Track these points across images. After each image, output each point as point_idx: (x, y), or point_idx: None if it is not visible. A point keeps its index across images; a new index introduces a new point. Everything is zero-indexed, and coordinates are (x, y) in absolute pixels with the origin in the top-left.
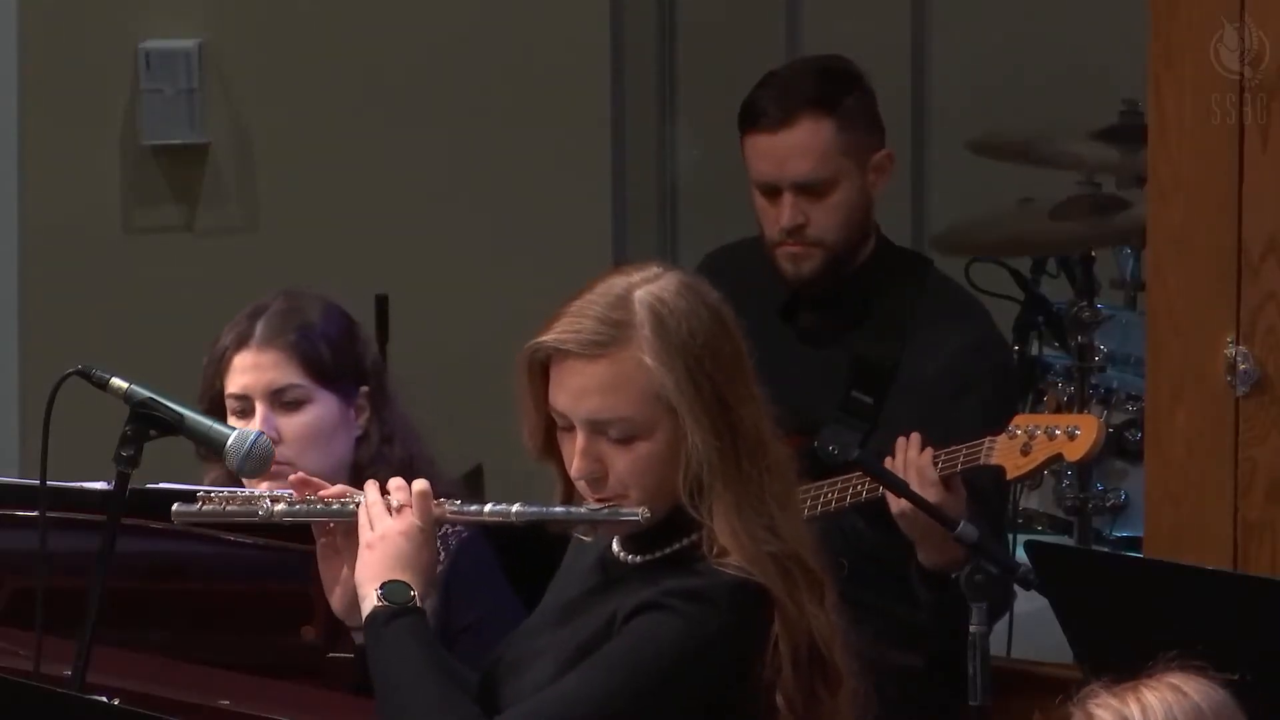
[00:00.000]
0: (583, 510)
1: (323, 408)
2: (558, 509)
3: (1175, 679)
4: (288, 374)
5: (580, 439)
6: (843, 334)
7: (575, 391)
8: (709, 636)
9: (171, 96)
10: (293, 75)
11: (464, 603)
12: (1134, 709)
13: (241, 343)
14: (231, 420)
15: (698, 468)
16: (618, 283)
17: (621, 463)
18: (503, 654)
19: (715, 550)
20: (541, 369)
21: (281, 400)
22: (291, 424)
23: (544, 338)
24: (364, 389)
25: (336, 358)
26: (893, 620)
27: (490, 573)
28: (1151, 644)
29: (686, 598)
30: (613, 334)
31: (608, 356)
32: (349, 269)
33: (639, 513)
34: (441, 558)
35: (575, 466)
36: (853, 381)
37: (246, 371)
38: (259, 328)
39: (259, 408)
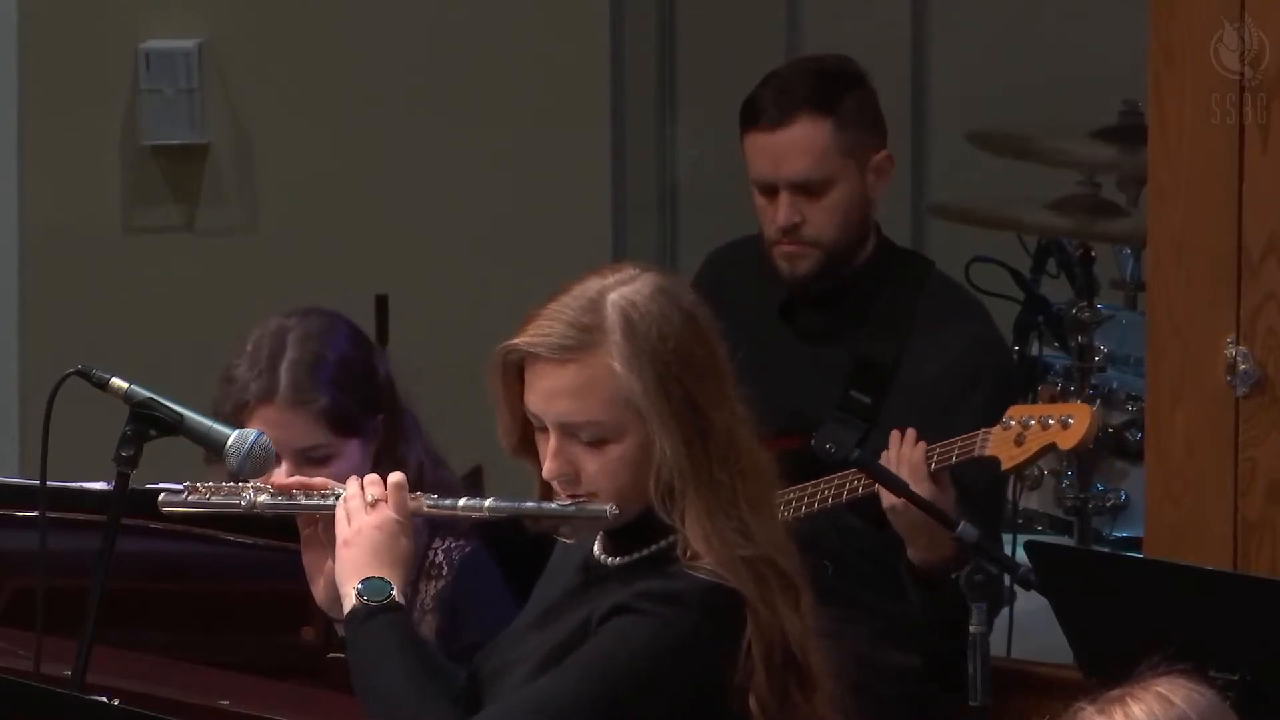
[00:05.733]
0: (553, 505)
1: (347, 459)
2: (529, 504)
3: (1162, 687)
4: (314, 435)
5: (552, 440)
6: (842, 333)
7: (546, 394)
8: (681, 639)
9: (171, 96)
10: (293, 75)
11: (471, 622)
12: None
13: (265, 397)
14: None
15: (668, 473)
16: (592, 285)
17: (592, 465)
18: (487, 658)
19: (689, 553)
20: (516, 370)
21: (308, 457)
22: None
23: (516, 340)
24: (380, 417)
25: (358, 404)
26: (891, 620)
27: (497, 590)
28: (1151, 644)
29: (659, 600)
30: (583, 338)
31: (577, 361)
32: (349, 269)
33: (607, 509)
34: (446, 572)
35: (547, 467)
36: (852, 381)
37: (271, 428)
38: (283, 382)
39: (285, 463)
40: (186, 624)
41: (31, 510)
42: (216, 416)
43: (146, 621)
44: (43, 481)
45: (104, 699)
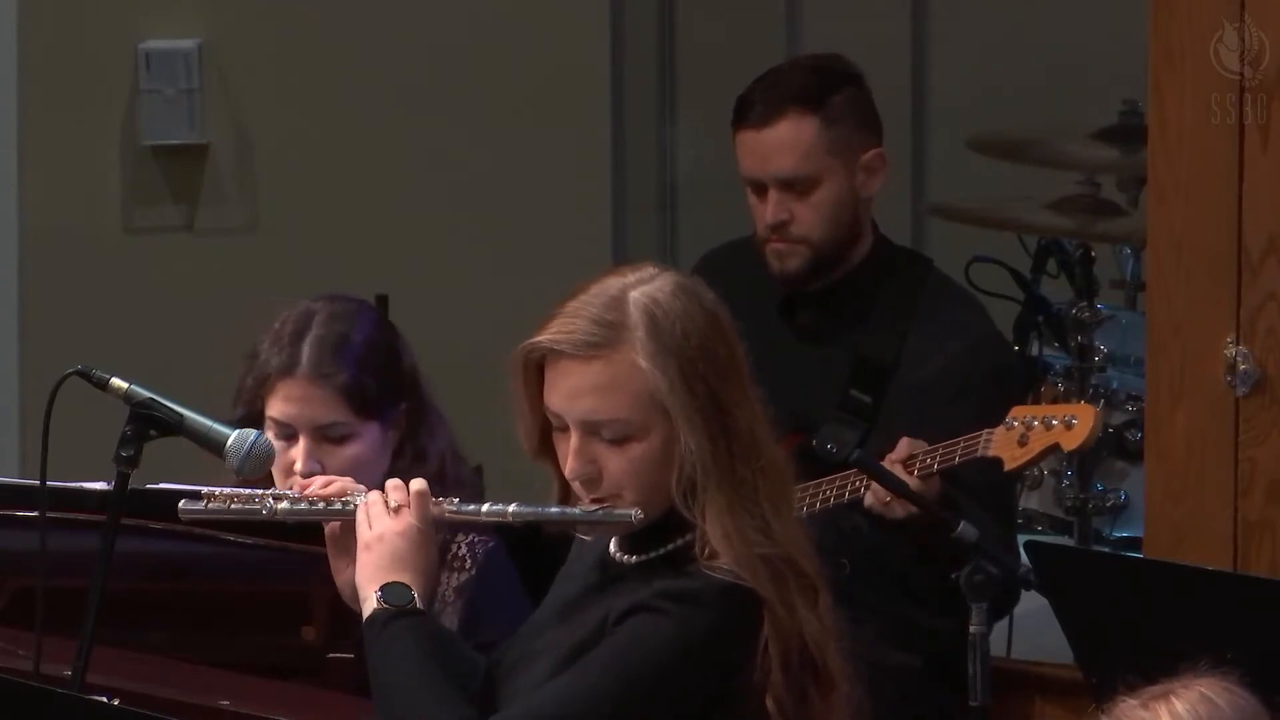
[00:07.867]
0: (577, 511)
1: (366, 441)
2: (553, 509)
3: (1206, 687)
4: (334, 411)
5: (574, 439)
6: (841, 333)
7: (569, 392)
8: (698, 638)
9: (171, 96)
10: (293, 75)
11: (488, 620)
12: None
13: (287, 370)
14: (273, 441)
15: (691, 469)
16: (612, 283)
17: (615, 464)
18: (505, 654)
19: (707, 552)
20: (536, 369)
21: (326, 435)
22: (336, 458)
23: (539, 338)
24: (403, 406)
25: (381, 388)
26: (892, 620)
27: (515, 589)
28: (1151, 645)
29: (676, 599)
30: (607, 335)
31: (602, 358)
32: (349, 269)
33: (632, 514)
34: (469, 565)
35: (569, 467)
36: (852, 380)
37: (292, 402)
38: (306, 356)
39: (303, 439)
40: (186, 624)
41: (31, 510)
42: (238, 394)
43: (146, 621)
44: (43, 481)
45: (104, 699)
